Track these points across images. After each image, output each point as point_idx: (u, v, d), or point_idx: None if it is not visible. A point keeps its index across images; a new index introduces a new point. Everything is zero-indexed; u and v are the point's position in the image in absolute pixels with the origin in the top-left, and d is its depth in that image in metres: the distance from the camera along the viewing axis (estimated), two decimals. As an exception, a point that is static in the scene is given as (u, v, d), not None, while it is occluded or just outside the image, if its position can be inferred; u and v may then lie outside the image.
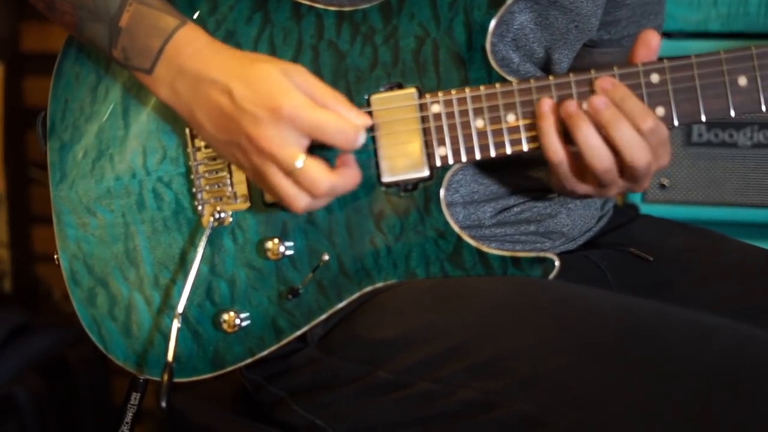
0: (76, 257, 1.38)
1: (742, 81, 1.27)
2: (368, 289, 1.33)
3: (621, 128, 1.24)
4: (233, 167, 1.35)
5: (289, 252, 1.34)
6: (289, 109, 1.22)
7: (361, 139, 1.25)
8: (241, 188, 1.35)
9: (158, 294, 1.37)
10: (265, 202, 1.35)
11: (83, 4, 1.30)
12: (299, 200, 1.24)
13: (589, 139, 1.25)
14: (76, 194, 1.38)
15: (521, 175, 1.43)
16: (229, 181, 1.35)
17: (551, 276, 1.30)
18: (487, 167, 1.40)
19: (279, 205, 1.34)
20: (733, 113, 1.27)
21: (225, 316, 1.35)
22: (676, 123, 1.28)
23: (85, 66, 1.38)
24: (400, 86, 1.32)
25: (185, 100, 1.27)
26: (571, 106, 1.25)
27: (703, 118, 1.28)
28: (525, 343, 1.18)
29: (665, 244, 1.54)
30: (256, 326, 1.35)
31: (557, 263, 1.30)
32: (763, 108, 1.27)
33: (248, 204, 1.35)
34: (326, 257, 1.33)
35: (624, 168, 1.26)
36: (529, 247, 1.44)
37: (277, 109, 1.22)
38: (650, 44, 1.28)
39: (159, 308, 1.37)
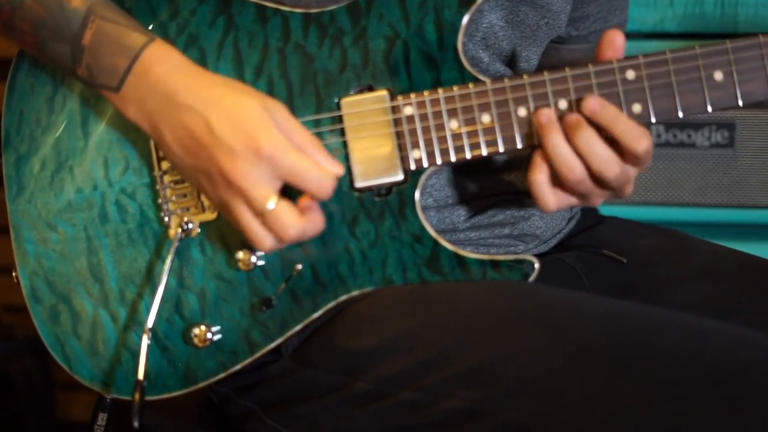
0: (36, 274, 1.32)
1: (718, 76, 1.25)
2: (344, 297, 1.30)
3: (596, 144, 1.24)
4: None
5: (261, 262, 1.29)
6: (269, 149, 1.18)
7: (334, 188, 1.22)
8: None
9: (125, 310, 1.31)
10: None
11: (43, 22, 1.25)
12: (265, 242, 1.21)
13: (557, 149, 1.24)
14: (35, 208, 1.32)
15: (493, 178, 1.41)
16: (195, 192, 1.30)
17: (531, 278, 1.28)
18: (459, 170, 1.38)
19: None
20: (710, 108, 1.26)
21: (195, 331, 1.30)
22: (653, 120, 1.27)
23: (40, 76, 1.33)
24: (371, 89, 1.29)
25: (154, 119, 1.23)
26: (543, 116, 1.25)
27: (681, 115, 1.26)
28: (511, 349, 1.15)
29: (635, 245, 1.52)
30: (228, 340, 1.30)
31: (537, 265, 1.28)
32: (740, 102, 1.26)
33: (216, 214, 1.30)
34: (299, 266, 1.29)
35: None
36: (504, 251, 1.41)
37: (257, 147, 1.18)
38: (615, 44, 1.26)
39: (126, 324, 1.31)
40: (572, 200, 1.28)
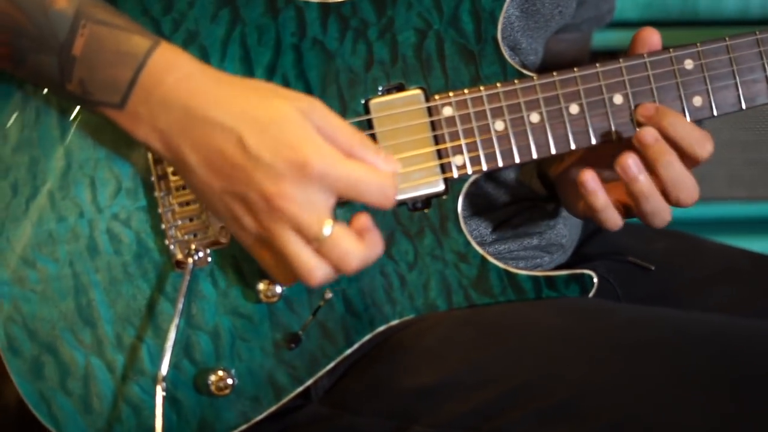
0: (12, 321, 1.10)
1: (782, 63, 1.15)
2: (382, 328, 1.13)
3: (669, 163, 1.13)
4: None
5: (285, 292, 1.12)
6: (319, 165, 1.00)
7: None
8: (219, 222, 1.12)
9: (123, 357, 1.11)
10: (249, 236, 1.12)
11: (22, 30, 1.03)
12: (318, 273, 1.02)
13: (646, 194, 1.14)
14: (7, 242, 1.10)
15: (512, 183, 1.27)
16: (204, 214, 1.12)
17: (591, 294, 1.14)
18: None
19: None
20: (769, 99, 1.15)
21: (211, 377, 1.11)
22: (715, 113, 1.15)
23: (5, 85, 1.11)
24: (402, 88, 1.13)
25: (170, 138, 1.03)
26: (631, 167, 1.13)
27: (744, 106, 1.15)
28: (606, 378, 1.01)
29: (650, 250, 1.41)
30: (248, 385, 1.12)
31: (596, 280, 1.14)
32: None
33: (229, 239, 1.12)
34: (329, 295, 1.12)
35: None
36: (531, 264, 1.27)
37: (304, 164, 1.00)
38: (652, 43, 1.15)
39: (124, 374, 1.11)
40: None
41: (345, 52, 1.12)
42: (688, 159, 1.14)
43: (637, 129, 1.12)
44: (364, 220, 1.04)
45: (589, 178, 1.12)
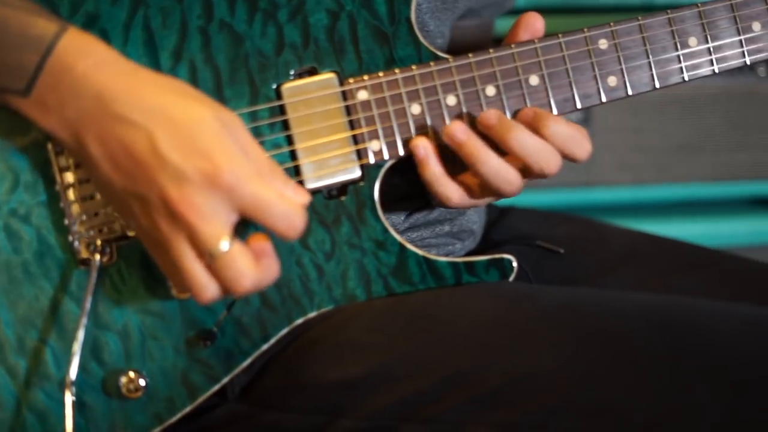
0: None
1: (692, 41, 1.15)
2: (299, 321, 1.09)
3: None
4: None
5: None
6: (230, 176, 0.95)
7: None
8: (126, 215, 1.06)
9: (25, 361, 1.04)
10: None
11: None
12: (207, 292, 0.97)
13: (493, 169, 1.09)
14: None
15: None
16: (111, 208, 1.05)
17: (511, 278, 1.12)
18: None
19: None
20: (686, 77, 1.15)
21: (121, 379, 1.05)
22: (630, 92, 1.14)
23: None
24: (315, 72, 1.09)
25: (77, 128, 0.97)
26: (459, 134, 1.08)
27: (657, 85, 1.15)
28: (541, 362, 0.99)
29: (554, 234, 1.40)
30: (161, 386, 1.06)
31: (515, 264, 1.12)
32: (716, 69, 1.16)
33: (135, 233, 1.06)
34: (244, 289, 1.07)
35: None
36: (443, 251, 1.25)
37: (215, 174, 0.95)
38: (535, 28, 1.13)
39: (28, 380, 1.04)
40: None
41: (254, 35, 1.08)
42: (567, 158, 1.11)
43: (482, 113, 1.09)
44: (263, 242, 0.99)
45: (420, 144, 1.08)
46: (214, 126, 0.97)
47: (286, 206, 0.98)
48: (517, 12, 1.83)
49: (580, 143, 1.10)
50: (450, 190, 1.10)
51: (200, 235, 0.95)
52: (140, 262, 1.06)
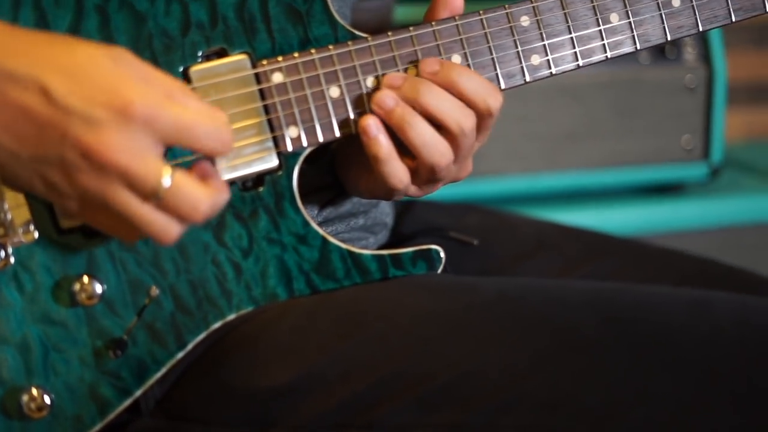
0: None
1: (614, 17, 1.11)
2: (217, 324, 1.00)
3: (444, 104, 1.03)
4: (1, 187, 0.95)
5: (105, 292, 0.97)
6: (143, 106, 0.86)
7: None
8: (21, 214, 0.95)
9: None
10: (59, 228, 0.96)
11: None
12: (170, 232, 0.89)
13: (423, 136, 1.02)
14: None
15: (330, 161, 1.17)
16: (0, 206, 0.95)
17: (439, 270, 1.06)
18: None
19: (80, 230, 0.97)
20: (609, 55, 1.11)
21: (23, 398, 0.95)
22: (554, 71, 1.09)
23: None
24: (225, 53, 1.00)
25: None
26: (388, 101, 1.01)
27: (581, 63, 1.10)
28: (485, 356, 0.92)
29: (463, 225, 1.35)
30: (68, 403, 0.96)
31: (442, 254, 1.06)
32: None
33: (35, 234, 0.95)
34: (155, 291, 0.98)
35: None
36: (358, 245, 1.17)
37: (125, 106, 0.85)
38: (454, 5, 1.07)
39: None
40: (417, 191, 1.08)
41: (158, 14, 0.99)
42: (481, 114, 1.04)
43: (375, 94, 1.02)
44: (203, 165, 0.91)
45: (371, 122, 1.01)
46: (107, 63, 0.88)
47: (210, 122, 0.89)
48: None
49: (493, 92, 1.04)
50: (399, 170, 1.02)
51: (137, 176, 0.86)
52: (40, 265, 0.96)
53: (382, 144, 1.01)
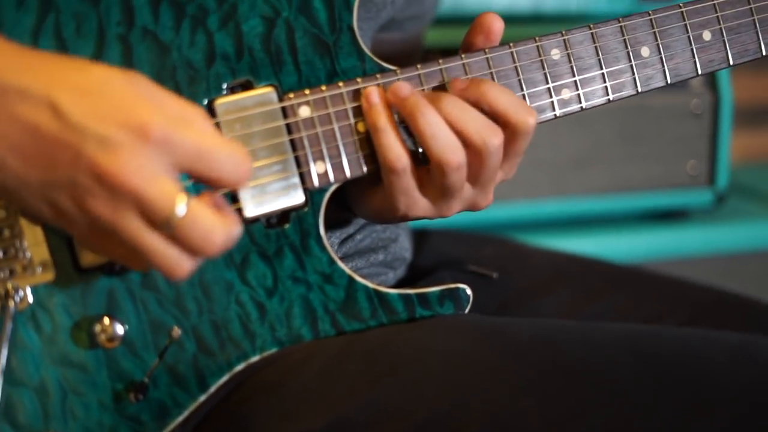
0: None
1: (645, 51, 1.08)
2: (241, 366, 0.97)
3: (469, 113, 0.99)
4: (23, 222, 0.91)
5: (127, 334, 0.93)
6: (161, 126, 0.82)
7: None
8: (40, 252, 0.92)
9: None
10: (79, 265, 0.93)
11: None
12: (180, 266, 0.84)
13: (434, 126, 0.97)
14: None
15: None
16: (19, 244, 0.91)
17: (466, 310, 1.03)
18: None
19: (100, 269, 0.93)
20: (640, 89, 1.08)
21: (39, 443, 0.91)
22: (584, 105, 1.07)
23: None
24: (250, 85, 0.97)
25: None
26: (404, 89, 0.98)
27: (611, 97, 1.08)
28: (524, 402, 0.89)
29: (481, 257, 1.32)
30: (86, 448, 0.93)
31: (470, 293, 1.03)
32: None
33: (53, 274, 0.92)
34: (177, 332, 0.94)
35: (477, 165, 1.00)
36: (377, 281, 1.15)
37: (143, 126, 0.81)
38: (492, 30, 1.03)
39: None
40: (428, 207, 1.03)
41: (182, 44, 0.95)
42: (512, 130, 0.99)
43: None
44: (215, 195, 0.87)
45: (374, 90, 0.97)
46: (121, 82, 0.84)
47: (229, 149, 0.85)
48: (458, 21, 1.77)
49: (525, 109, 1.00)
50: (397, 144, 0.97)
51: (151, 202, 0.82)
52: (59, 305, 0.92)
53: (380, 112, 0.97)
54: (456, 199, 1.02)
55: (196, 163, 0.84)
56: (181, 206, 0.82)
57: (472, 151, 0.98)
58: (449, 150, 0.97)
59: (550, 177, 1.90)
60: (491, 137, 0.98)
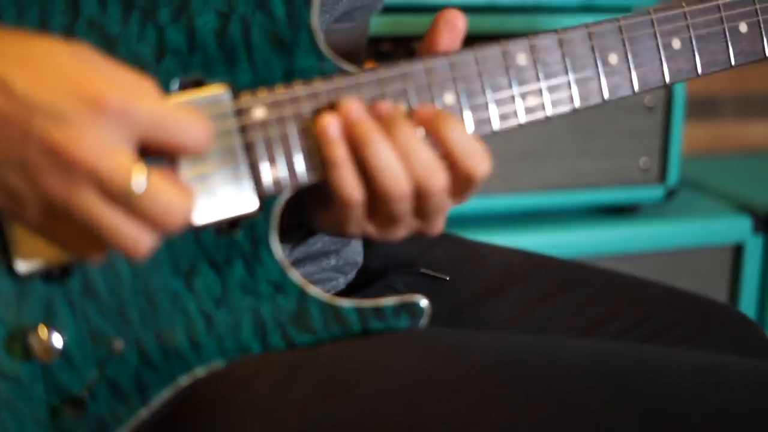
0: None
1: (613, 58, 1.05)
2: (185, 380, 0.92)
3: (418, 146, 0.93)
4: None
5: (66, 346, 0.88)
6: (116, 97, 0.78)
7: None
8: (-28, 255, 0.86)
9: None
10: (13, 271, 0.87)
11: None
12: (141, 242, 0.80)
13: (383, 161, 0.92)
14: None
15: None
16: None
17: (422, 323, 0.99)
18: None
19: (38, 275, 0.88)
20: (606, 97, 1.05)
21: (-32, 462, 0.86)
22: (549, 113, 1.03)
23: None
24: (202, 82, 0.92)
25: None
26: (354, 111, 0.92)
27: (577, 105, 1.04)
28: (482, 423, 0.85)
29: (433, 257, 1.28)
30: (19, 466, 0.87)
31: (424, 306, 0.99)
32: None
33: (-15, 281, 0.87)
34: (119, 344, 0.89)
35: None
36: (328, 287, 1.11)
37: (96, 97, 0.77)
38: (456, 26, 0.99)
39: None
40: (373, 231, 0.98)
41: (130, 38, 0.90)
42: (459, 175, 0.95)
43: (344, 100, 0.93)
44: (168, 169, 0.83)
45: (333, 122, 0.90)
46: (69, 53, 0.80)
47: (187, 114, 0.82)
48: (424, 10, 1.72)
49: (482, 158, 0.96)
50: (352, 181, 0.92)
51: (108, 175, 0.77)
52: (-10, 315, 0.87)
53: (338, 146, 0.91)
54: (401, 227, 0.98)
55: (155, 131, 0.80)
56: (140, 179, 0.78)
57: (415, 188, 0.94)
58: (393, 183, 0.92)
59: (501, 171, 1.87)
60: (435, 180, 0.93)
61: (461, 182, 0.96)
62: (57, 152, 0.77)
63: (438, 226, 1.00)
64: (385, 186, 0.92)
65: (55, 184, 0.77)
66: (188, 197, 0.81)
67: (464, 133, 0.95)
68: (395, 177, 0.92)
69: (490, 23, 1.84)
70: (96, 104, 0.77)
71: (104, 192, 0.78)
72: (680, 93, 1.96)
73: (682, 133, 1.99)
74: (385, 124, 0.93)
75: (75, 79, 0.78)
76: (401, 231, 0.98)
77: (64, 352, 0.88)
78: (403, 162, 0.92)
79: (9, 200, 0.80)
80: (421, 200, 0.94)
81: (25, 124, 0.77)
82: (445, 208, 0.98)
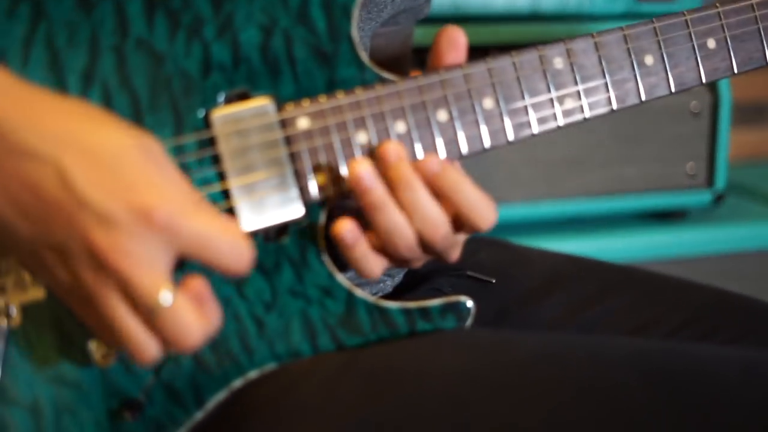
0: None
1: (649, 60, 1.06)
2: (238, 383, 0.95)
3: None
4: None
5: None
6: (166, 213, 0.80)
7: None
8: (32, 268, 0.90)
9: None
10: (73, 282, 0.91)
11: None
12: (148, 352, 0.83)
13: (392, 224, 0.95)
14: None
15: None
16: (10, 261, 0.89)
17: (468, 323, 1.01)
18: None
19: None
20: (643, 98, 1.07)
21: (32, 464, 0.89)
22: (587, 115, 1.05)
23: None
24: (246, 95, 0.95)
25: None
26: (366, 180, 0.93)
27: (615, 107, 1.06)
28: (528, 421, 0.87)
29: (479, 261, 1.30)
30: (80, 468, 0.91)
31: (470, 306, 1.01)
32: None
33: (44, 291, 0.90)
34: (174, 349, 0.93)
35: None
36: (375, 290, 1.13)
37: (148, 210, 0.80)
38: (458, 43, 1.01)
39: None
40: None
41: (177, 54, 0.93)
42: (465, 227, 0.97)
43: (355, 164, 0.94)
44: (200, 284, 0.84)
45: (347, 230, 0.94)
46: (138, 155, 0.82)
47: (231, 237, 0.84)
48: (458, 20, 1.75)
49: (487, 210, 0.97)
50: (375, 264, 0.96)
51: (137, 288, 0.80)
52: (50, 323, 0.90)
53: (359, 247, 0.94)
54: (413, 263, 1.00)
55: (196, 251, 0.83)
56: (166, 297, 0.81)
57: (420, 239, 0.96)
58: (400, 242, 0.95)
59: (546, 178, 1.88)
60: (440, 231, 0.95)
61: (468, 231, 0.99)
62: (95, 252, 0.80)
63: (453, 255, 1.01)
64: (395, 244, 0.95)
65: (87, 276, 0.81)
66: (208, 325, 0.84)
67: (469, 186, 0.96)
68: (401, 236, 0.95)
69: (533, 32, 1.86)
70: (145, 216, 0.80)
71: (130, 300, 0.81)
72: (726, 98, 1.97)
73: (728, 139, 1.99)
74: (393, 185, 0.95)
75: (131, 186, 0.80)
76: (415, 264, 1.00)
77: (121, 357, 0.91)
78: (409, 220, 0.95)
79: (41, 271, 0.83)
80: (427, 247, 0.97)
81: (72, 217, 0.80)
82: (456, 244, 1.00)
